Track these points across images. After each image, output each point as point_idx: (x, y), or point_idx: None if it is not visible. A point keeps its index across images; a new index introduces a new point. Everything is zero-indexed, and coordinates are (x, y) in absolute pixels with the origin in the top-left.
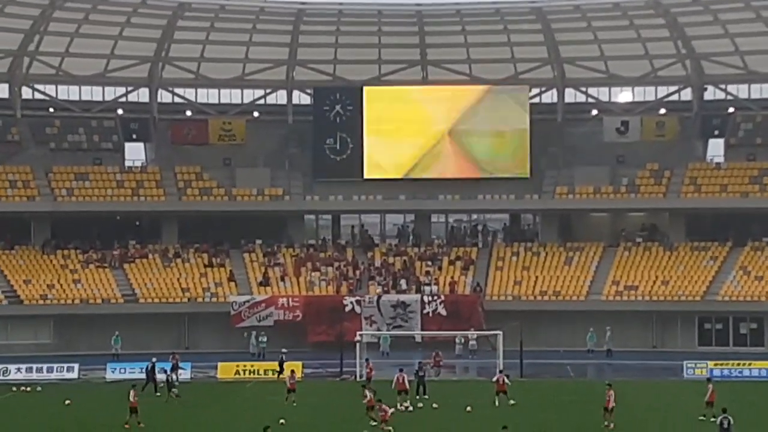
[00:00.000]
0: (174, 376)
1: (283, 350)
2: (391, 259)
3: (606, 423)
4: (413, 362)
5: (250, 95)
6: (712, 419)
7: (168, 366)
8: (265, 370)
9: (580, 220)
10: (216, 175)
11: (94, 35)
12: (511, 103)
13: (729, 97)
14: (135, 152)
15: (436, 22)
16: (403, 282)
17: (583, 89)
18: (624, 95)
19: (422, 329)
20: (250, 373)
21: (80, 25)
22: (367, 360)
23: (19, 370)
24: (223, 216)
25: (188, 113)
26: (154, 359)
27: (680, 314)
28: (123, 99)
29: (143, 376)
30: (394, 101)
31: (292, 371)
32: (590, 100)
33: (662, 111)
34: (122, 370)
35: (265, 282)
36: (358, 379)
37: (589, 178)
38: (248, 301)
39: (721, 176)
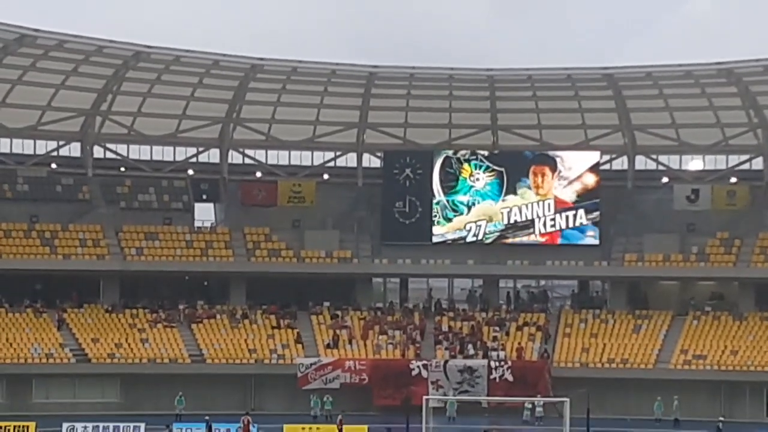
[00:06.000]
0: None
1: (206, 417)
2: (458, 324)
3: None
4: (479, 428)
5: (320, 157)
6: None
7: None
8: None
9: (649, 288)
10: (285, 237)
11: (166, 95)
12: None
13: None
14: (205, 213)
15: (507, 87)
16: (470, 347)
17: (654, 157)
18: (695, 163)
19: (489, 395)
20: None
21: (153, 85)
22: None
23: (86, 428)
24: (291, 278)
25: (258, 174)
26: None
27: (749, 384)
28: (194, 159)
29: None
30: None
31: None
32: (661, 167)
33: (733, 180)
34: (188, 430)
35: (332, 344)
36: None
37: (659, 246)
38: (315, 363)
39: None
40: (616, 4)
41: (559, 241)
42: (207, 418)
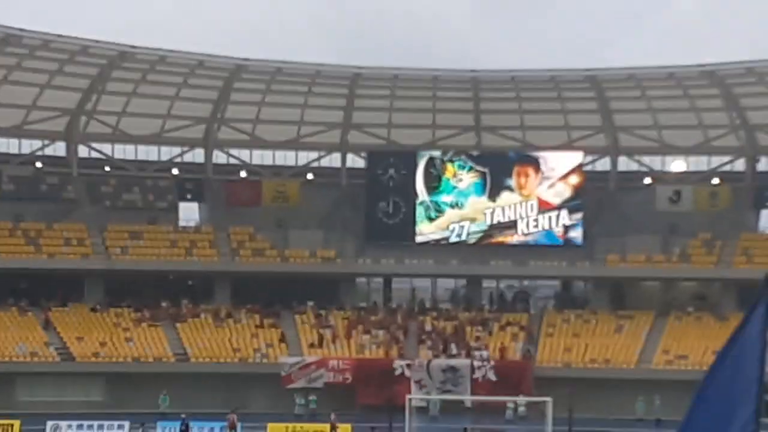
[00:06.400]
0: None
1: (182, 415)
2: (441, 324)
3: None
4: (460, 427)
5: (304, 157)
6: None
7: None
8: None
9: (632, 288)
10: (269, 237)
11: (151, 95)
12: None
13: None
14: (189, 212)
15: (490, 88)
16: (453, 346)
17: (637, 158)
18: (677, 164)
19: (472, 394)
20: None
21: (137, 85)
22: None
23: (70, 427)
24: (275, 277)
25: (243, 174)
26: None
27: None
28: (178, 159)
29: None
30: None
31: None
32: (643, 168)
33: (715, 181)
34: (173, 429)
35: (316, 344)
36: None
37: (641, 246)
38: (299, 363)
39: None
40: (600, 5)
41: (542, 241)
42: (183, 416)
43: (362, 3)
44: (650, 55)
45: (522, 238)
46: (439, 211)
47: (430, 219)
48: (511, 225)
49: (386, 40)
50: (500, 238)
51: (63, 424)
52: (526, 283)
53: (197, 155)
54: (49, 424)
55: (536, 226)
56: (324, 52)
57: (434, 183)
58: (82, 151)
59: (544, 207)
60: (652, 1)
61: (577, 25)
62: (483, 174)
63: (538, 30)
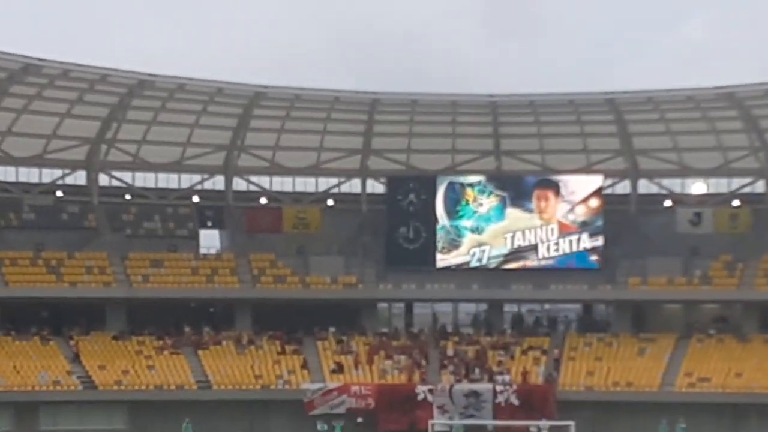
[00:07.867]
0: None
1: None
2: (463, 348)
3: None
4: None
5: (324, 183)
6: None
7: None
8: None
9: (653, 311)
10: (290, 263)
11: (170, 123)
12: None
13: None
14: (210, 239)
15: (509, 112)
16: (475, 371)
17: (657, 180)
18: (697, 187)
19: (494, 419)
20: None
21: (157, 113)
22: None
23: None
24: (296, 303)
25: (263, 201)
26: None
27: (754, 407)
28: (199, 186)
29: None
30: None
31: None
32: (663, 191)
33: (736, 203)
34: None
35: (337, 370)
36: None
37: (662, 269)
38: (321, 389)
39: None
40: (611, 27)
41: (563, 265)
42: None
43: (377, 27)
44: (662, 76)
45: (543, 262)
46: (460, 236)
47: (451, 244)
48: (532, 249)
49: (401, 64)
50: (521, 263)
51: None
52: (547, 306)
53: (217, 182)
54: None
55: (557, 250)
56: (342, 75)
57: (454, 208)
58: (103, 180)
59: (564, 230)
60: (662, 22)
61: (587, 46)
62: (503, 198)
63: (550, 51)
